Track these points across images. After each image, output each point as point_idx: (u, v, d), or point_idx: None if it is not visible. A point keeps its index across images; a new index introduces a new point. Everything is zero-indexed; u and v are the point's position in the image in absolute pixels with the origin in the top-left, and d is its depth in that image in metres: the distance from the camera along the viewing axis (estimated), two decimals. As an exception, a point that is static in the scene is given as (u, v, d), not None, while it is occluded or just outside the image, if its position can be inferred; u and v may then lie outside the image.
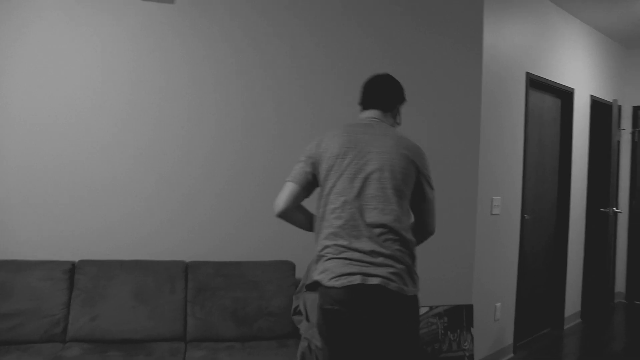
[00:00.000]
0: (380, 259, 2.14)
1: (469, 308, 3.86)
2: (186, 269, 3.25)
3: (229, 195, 3.53)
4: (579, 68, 5.67)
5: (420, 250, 3.96)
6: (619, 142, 6.49)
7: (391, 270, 2.13)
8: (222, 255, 3.50)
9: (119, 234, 3.34)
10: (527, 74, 4.66)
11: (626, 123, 6.78)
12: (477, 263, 4.08)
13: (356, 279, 2.10)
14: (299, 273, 3.52)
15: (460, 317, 3.84)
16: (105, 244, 3.32)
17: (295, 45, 3.65)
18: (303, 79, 3.67)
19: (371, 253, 2.14)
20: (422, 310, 3.72)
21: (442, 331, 3.78)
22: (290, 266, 3.45)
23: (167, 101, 3.40)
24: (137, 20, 3.33)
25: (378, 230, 2.17)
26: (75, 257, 3.29)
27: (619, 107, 6.52)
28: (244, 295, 3.25)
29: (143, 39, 3.34)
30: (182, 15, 3.41)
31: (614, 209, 5.81)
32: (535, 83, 4.86)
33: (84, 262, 3.14)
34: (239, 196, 3.55)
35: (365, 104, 2.46)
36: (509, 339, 4.60)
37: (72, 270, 3.13)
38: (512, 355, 4.62)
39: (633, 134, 6.76)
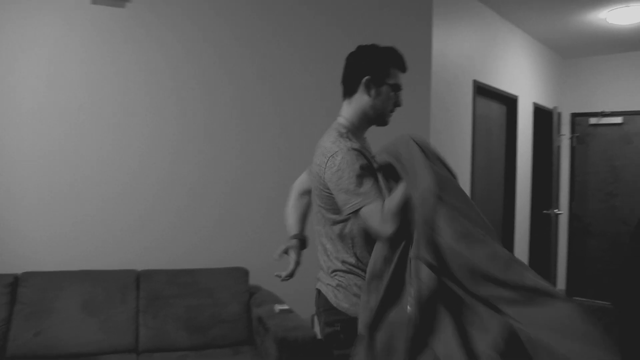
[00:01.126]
0: None
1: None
2: (138, 278, 3.19)
3: (180, 203, 3.48)
4: (523, 76, 5.87)
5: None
6: (559, 147, 6.74)
7: None
8: (175, 264, 3.44)
9: (68, 244, 3.23)
10: (474, 81, 4.80)
11: (565, 129, 7.05)
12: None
13: None
14: (253, 279, 3.51)
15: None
16: (53, 256, 3.20)
17: (262, 52, 3.64)
18: (266, 85, 3.67)
19: None
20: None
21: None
22: (243, 272, 3.44)
23: (122, 107, 3.32)
24: (87, 24, 3.25)
25: None
26: (20, 270, 3.11)
27: (559, 114, 6.77)
28: (198, 303, 3.21)
29: (95, 43, 3.26)
30: (135, 20, 3.34)
31: (556, 210, 6.03)
32: (482, 90, 5.00)
33: (28, 275, 2.99)
34: (191, 204, 3.51)
35: None
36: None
37: (14, 283, 2.95)
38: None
39: (572, 139, 7.04)
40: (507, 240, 5.68)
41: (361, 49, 1.98)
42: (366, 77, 1.90)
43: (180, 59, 3.45)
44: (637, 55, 6.63)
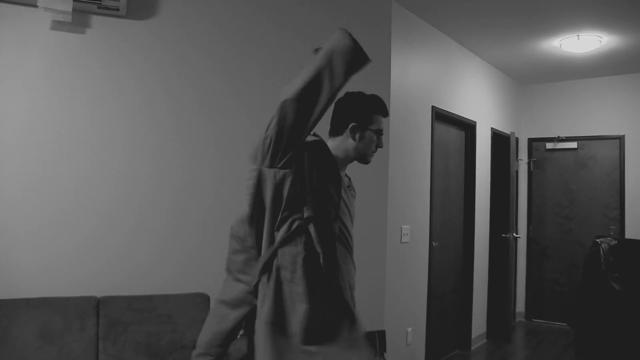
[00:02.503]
0: None
1: (381, 334, 3.96)
2: (97, 305, 3.14)
3: (140, 227, 3.45)
4: (481, 102, 6.02)
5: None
6: (517, 171, 6.92)
7: None
8: (135, 289, 3.39)
9: (24, 269, 3.16)
10: (433, 107, 4.91)
11: (523, 154, 7.25)
12: (388, 290, 4.20)
13: None
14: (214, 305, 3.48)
15: (373, 343, 3.92)
16: (8, 282, 3.13)
17: (236, 81, 3.66)
18: (240, 113, 3.68)
19: None
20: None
21: (356, 358, 3.84)
22: (204, 298, 3.41)
23: (92, 135, 3.27)
24: (47, 51, 3.20)
25: None
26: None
27: (517, 139, 6.96)
28: (157, 329, 3.17)
29: (58, 71, 3.21)
30: (103, 44, 3.30)
31: (514, 234, 6.16)
32: (441, 116, 5.12)
33: (-18, 302, 2.89)
34: (150, 228, 3.48)
35: None
36: (420, 363, 4.75)
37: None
38: (423, 378, 4.76)
39: (529, 164, 7.23)
40: (467, 263, 5.77)
41: (349, 96, 2.21)
42: (352, 124, 2.13)
43: (153, 86, 3.41)
44: (590, 83, 6.89)
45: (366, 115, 2.16)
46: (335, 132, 2.18)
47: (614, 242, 3.79)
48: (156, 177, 3.46)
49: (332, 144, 2.16)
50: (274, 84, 3.84)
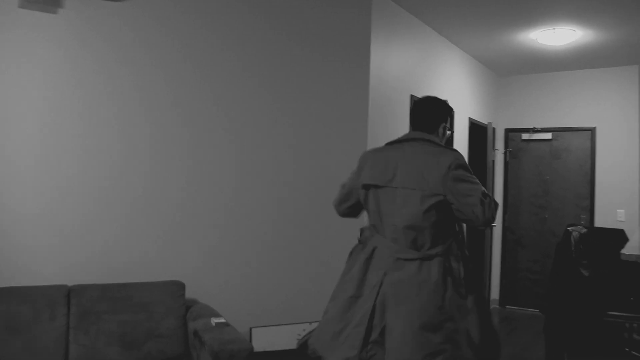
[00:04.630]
0: None
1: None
2: (68, 294, 3.09)
3: (112, 215, 3.40)
4: (459, 92, 6.06)
5: (310, 266, 4.05)
6: (493, 161, 6.98)
7: None
8: (109, 278, 3.36)
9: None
10: (412, 96, 4.92)
11: (499, 144, 7.32)
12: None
13: None
14: (189, 293, 3.48)
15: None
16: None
17: (208, 68, 3.62)
18: (210, 98, 3.65)
19: None
20: (313, 325, 3.79)
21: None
22: (180, 286, 3.39)
23: (53, 116, 3.21)
24: (17, 31, 3.13)
25: None
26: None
27: (494, 130, 7.02)
28: (132, 318, 3.15)
29: (24, 49, 3.14)
30: (69, 27, 3.24)
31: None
32: (418, 106, 5.12)
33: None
34: (124, 216, 3.45)
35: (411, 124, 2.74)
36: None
37: None
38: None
39: (505, 154, 7.31)
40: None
41: (435, 102, 2.70)
42: (443, 124, 2.66)
43: (119, 70, 3.37)
44: (565, 75, 6.98)
45: (449, 118, 2.72)
46: (430, 130, 2.62)
47: (584, 230, 3.86)
48: (125, 162, 3.41)
49: (436, 139, 2.62)
50: (244, 69, 3.82)
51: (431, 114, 2.65)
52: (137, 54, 3.42)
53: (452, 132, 2.98)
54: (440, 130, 2.65)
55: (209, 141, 3.68)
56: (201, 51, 3.65)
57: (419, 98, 2.79)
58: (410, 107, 2.92)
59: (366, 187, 2.65)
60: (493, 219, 2.48)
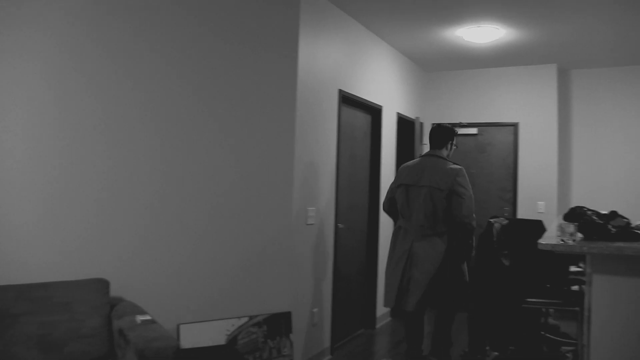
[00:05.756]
0: None
1: (287, 315, 4.01)
2: (-19, 296, 2.95)
3: (35, 212, 3.28)
4: (387, 87, 6.16)
5: (238, 261, 4.03)
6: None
7: None
8: (29, 279, 3.22)
9: None
10: (340, 91, 4.97)
11: (427, 138, 7.48)
12: (294, 271, 4.24)
13: None
14: (114, 291, 3.39)
15: (279, 324, 3.97)
16: None
17: (130, 67, 3.53)
18: (134, 97, 3.56)
19: None
20: (242, 321, 3.79)
21: (262, 339, 3.87)
22: (104, 284, 3.30)
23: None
24: None
25: None
26: None
27: (421, 124, 7.18)
28: (53, 319, 3.03)
29: None
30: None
31: (417, 216, 6.37)
32: (348, 100, 5.19)
33: None
34: (48, 213, 3.32)
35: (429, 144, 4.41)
36: (327, 342, 4.84)
37: None
38: (329, 357, 4.86)
39: (433, 148, 7.49)
40: (372, 244, 5.92)
41: (443, 128, 4.38)
42: (450, 142, 4.34)
43: (32, 67, 3.25)
44: (490, 72, 7.22)
45: (454, 137, 4.39)
46: (439, 146, 4.31)
47: (505, 222, 4.01)
48: (40, 157, 3.26)
49: (445, 153, 4.31)
50: (167, 63, 3.75)
51: (440, 136, 4.32)
52: (50, 52, 3.30)
53: (457, 147, 4.48)
54: (448, 146, 4.33)
55: (130, 137, 3.60)
56: (121, 46, 3.56)
57: (434, 125, 4.46)
58: (429, 132, 4.43)
59: (400, 186, 4.26)
60: (467, 218, 3.98)
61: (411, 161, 4.40)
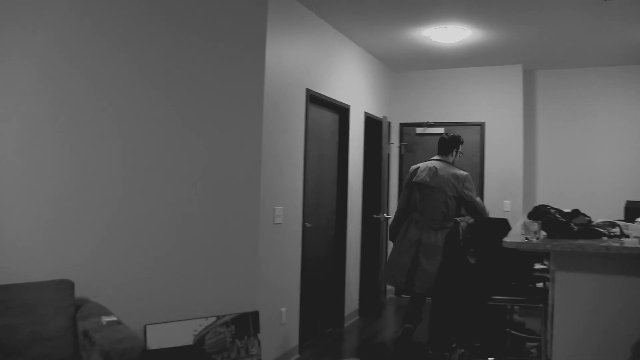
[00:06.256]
0: None
1: (255, 315, 3.99)
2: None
3: (-5, 211, 3.21)
4: (355, 87, 6.18)
5: (205, 260, 4.01)
6: (389, 155, 7.19)
7: None
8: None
9: None
10: (307, 90, 4.97)
11: (395, 138, 7.56)
12: (261, 271, 4.23)
13: None
14: (80, 292, 3.34)
15: (247, 324, 3.95)
16: None
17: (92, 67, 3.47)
18: (95, 94, 3.50)
19: None
20: (210, 321, 3.76)
21: (230, 339, 3.85)
22: (68, 285, 3.25)
23: None
24: None
25: None
26: None
27: (389, 124, 7.23)
28: (15, 321, 2.96)
29: None
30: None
31: (385, 215, 6.41)
32: (315, 99, 5.19)
33: None
34: (10, 215, 3.26)
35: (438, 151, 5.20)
36: (295, 341, 4.84)
37: None
38: (298, 356, 4.86)
39: (400, 147, 7.56)
40: (340, 244, 5.94)
41: (450, 137, 5.14)
42: (455, 149, 5.08)
43: None
44: (457, 72, 7.32)
45: (459, 145, 5.15)
46: (446, 153, 5.12)
47: (471, 220, 4.07)
48: (21, 161, 3.24)
49: (451, 159, 5.10)
50: (131, 61, 3.71)
51: (448, 144, 5.12)
52: (9, 51, 3.24)
53: (462, 154, 5.21)
54: (454, 152, 5.11)
55: (93, 136, 3.55)
56: (81, 44, 3.50)
57: (442, 135, 5.24)
58: (439, 139, 5.21)
59: (414, 184, 5.05)
60: (482, 212, 4.90)
61: (422, 163, 5.16)
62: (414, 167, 5.19)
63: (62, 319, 3.12)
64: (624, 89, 6.89)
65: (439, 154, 5.12)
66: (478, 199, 4.99)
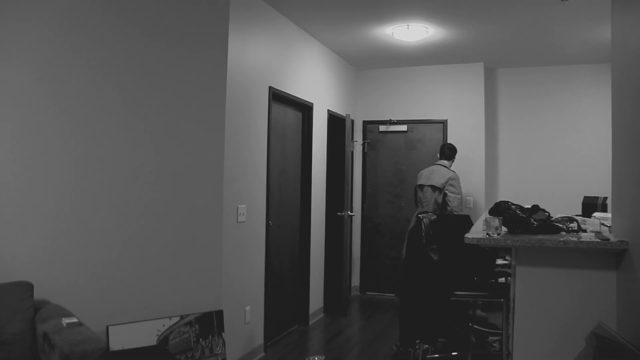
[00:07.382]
0: None
1: (219, 314, 3.96)
2: None
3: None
4: (318, 84, 6.19)
5: (168, 260, 3.96)
6: (352, 152, 7.23)
7: None
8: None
9: None
10: (270, 88, 4.95)
11: (358, 135, 7.59)
12: (225, 270, 4.20)
13: None
14: (39, 293, 3.26)
15: (211, 323, 3.92)
16: None
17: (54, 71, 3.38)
18: (62, 102, 3.42)
19: None
20: (173, 320, 3.72)
21: (195, 339, 3.82)
22: (27, 287, 3.18)
23: None
24: None
25: None
26: None
27: (352, 121, 7.26)
28: (-30, 325, 2.89)
29: None
30: None
31: (349, 212, 6.44)
32: (278, 97, 5.18)
33: None
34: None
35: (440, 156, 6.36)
36: (260, 340, 4.82)
37: None
38: (263, 354, 4.84)
39: (363, 145, 7.60)
40: (304, 241, 5.94)
41: (451, 145, 6.39)
42: (455, 155, 6.39)
43: None
44: (420, 70, 7.39)
45: (455, 153, 6.37)
46: (448, 158, 6.28)
47: (434, 217, 4.11)
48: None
49: (448, 163, 6.25)
50: (87, 60, 3.64)
51: (448, 151, 6.28)
52: None
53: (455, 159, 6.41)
54: (453, 159, 6.27)
55: (48, 137, 3.47)
56: (39, 45, 3.42)
57: (444, 144, 6.43)
58: (441, 146, 6.42)
59: (418, 186, 6.31)
60: (457, 208, 5.94)
61: (426, 168, 6.38)
62: (422, 171, 6.47)
63: (19, 322, 3.05)
64: (582, 87, 7.09)
65: (440, 158, 6.37)
66: (459, 197, 6.00)
